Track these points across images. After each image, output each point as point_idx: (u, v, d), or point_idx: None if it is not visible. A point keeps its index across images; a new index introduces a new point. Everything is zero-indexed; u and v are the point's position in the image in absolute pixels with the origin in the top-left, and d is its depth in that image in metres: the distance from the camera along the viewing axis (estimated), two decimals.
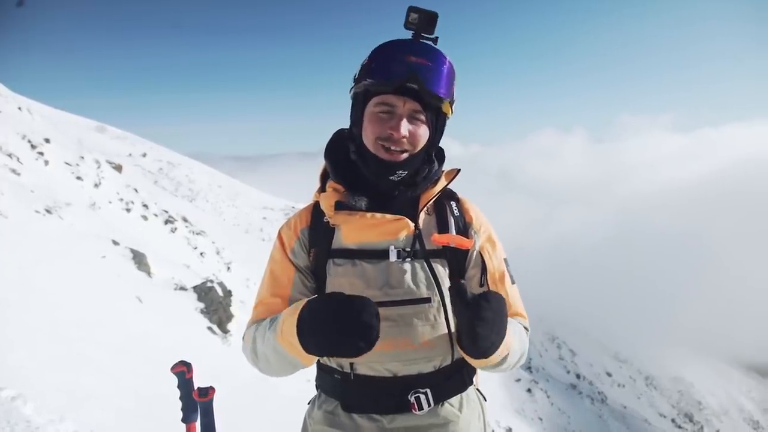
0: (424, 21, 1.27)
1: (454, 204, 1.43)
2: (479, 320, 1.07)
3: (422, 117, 1.26)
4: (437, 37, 1.30)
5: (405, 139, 1.25)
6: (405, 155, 1.28)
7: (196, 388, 1.58)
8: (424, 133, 1.28)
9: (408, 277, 1.29)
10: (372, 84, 1.25)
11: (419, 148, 1.29)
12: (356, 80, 1.29)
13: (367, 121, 1.28)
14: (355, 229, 1.31)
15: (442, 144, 1.46)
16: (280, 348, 1.18)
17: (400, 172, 1.29)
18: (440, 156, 1.44)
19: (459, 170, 1.44)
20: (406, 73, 1.20)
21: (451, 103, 1.30)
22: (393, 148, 1.26)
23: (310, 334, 1.09)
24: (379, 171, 1.29)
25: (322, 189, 1.40)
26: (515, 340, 1.26)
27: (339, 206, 1.32)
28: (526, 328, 1.40)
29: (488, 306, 1.08)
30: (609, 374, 42.53)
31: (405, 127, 1.24)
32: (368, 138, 1.28)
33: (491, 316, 1.08)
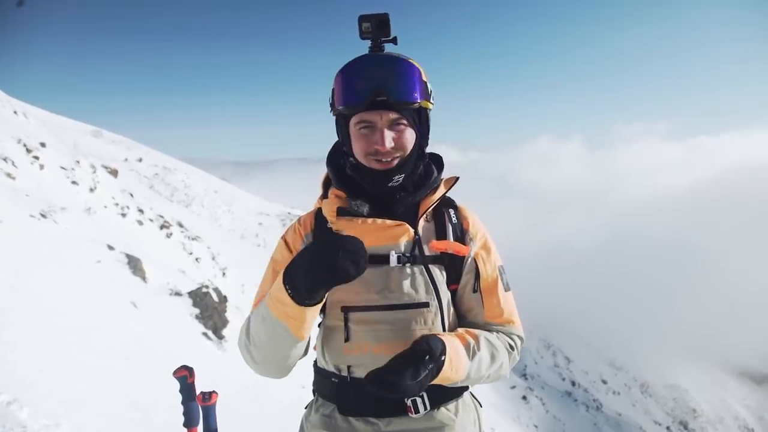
0: (377, 26, 1.29)
1: (452, 211, 1.45)
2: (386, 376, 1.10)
3: (403, 122, 1.28)
4: (395, 37, 1.31)
5: (392, 149, 1.28)
6: (397, 161, 1.31)
7: (199, 392, 1.59)
8: (410, 136, 1.31)
9: (407, 281, 1.31)
10: (344, 109, 1.28)
11: (409, 150, 1.32)
12: (331, 105, 1.33)
13: (353, 139, 1.31)
14: (356, 234, 1.33)
15: (441, 151, 1.49)
16: (269, 314, 1.19)
17: (397, 177, 1.32)
18: (439, 163, 1.47)
19: (458, 178, 1.47)
20: (372, 90, 1.23)
21: (428, 98, 1.32)
22: (383, 159, 1.29)
23: (299, 276, 1.11)
24: (377, 181, 1.32)
25: (325, 195, 1.42)
26: (476, 368, 1.27)
27: (341, 212, 1.34)
28: (513, 341, 1.40)
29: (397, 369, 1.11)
30: (604, 381, 42.58)
31: (389, 139, 1.26)
32: (358, 154, 1.31)
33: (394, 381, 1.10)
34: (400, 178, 1.32)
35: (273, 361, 1.30)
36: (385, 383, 1.09)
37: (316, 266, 1.08)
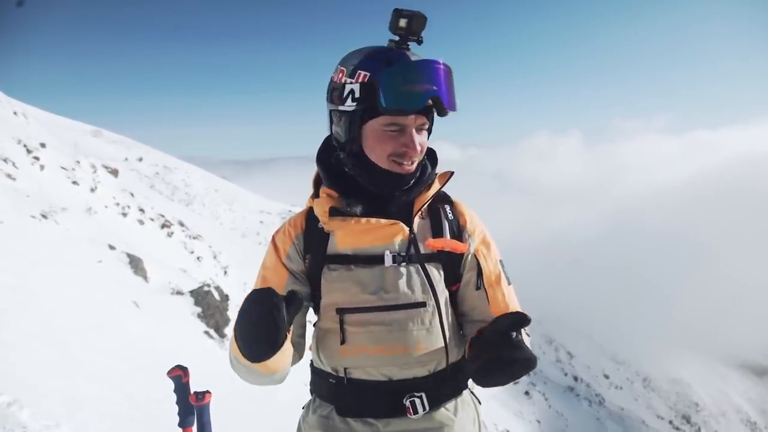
0: (415, 26, 1.22)
1: (448, 207, 1.42)
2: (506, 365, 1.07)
3: (426, 127, 1.28)
4: (422, 38, 1.26)
5: (419, 152, 1.27)
6: (416, 164, 1.30)
7: (192, 392, 1.58)
8: (426, 140, 1.30)
9: (403, 281, 1.29)
10: (389, 111, 1.19)
11: (424, 153, 1.33)
12: (357, 99, 1.21)
13: (373, 138, 1.25)
14: (350, 235, 1.31)
15: (440, 148, 1.46)
16: (236, 358, 1.19)
17: (412, 180, 1.32)
18: (433, 158, 1.43)
19: (452, 173, 1.44)
20: (428, 96, 1.18)
21: None
22: (406, 163, 1.26)
23: (239, 341, 1.07)
24: (393, 183, 1.30)
25: (316, 195, 1.39)
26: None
27: (333, 212, 1.31)
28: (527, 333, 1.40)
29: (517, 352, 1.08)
30: (606, 376, 42.57)
31: (418, 142, 1.25)
32: (378, 155, 1.26)
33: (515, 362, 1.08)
34: (413, 180, 1.33)
35: (257, 383, 1.32)
36: (502, 366, 1.07)
37: (240, 338, 1.05)
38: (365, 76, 1.20)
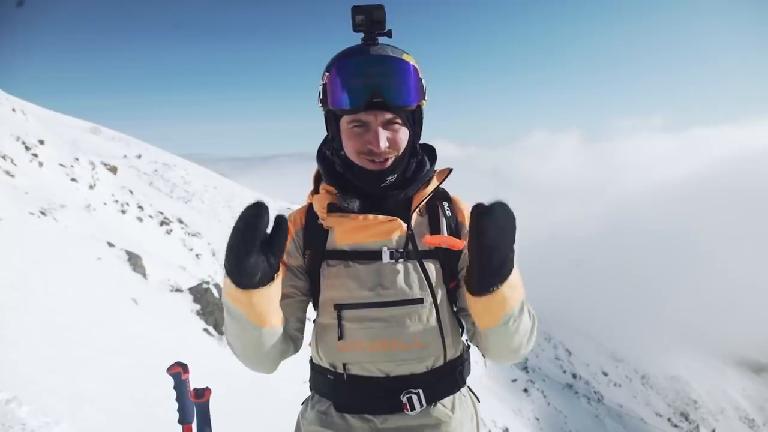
0: (371, 19, 1.23)
1: (446, 204, 1.41)
2: (483, 233, 1.01)
3: (398, 121, 1.25)
4: (390, 30, 1.26)
5: (387, 149, 1.24)
6: (390, 161, 1.28)
7: (192, 389, 1.59)
8: (403, 135, 1.28)
9: (400, 277, 1.29)
10: (338, 110, 1.24)
11: (403, 149, 1.29)
12: (321, 101, 1.28)
13: (344, 137, 1.27)
14: (348, 231, 1.31)
15: (435, 144, 1.45)
16: (226, 301, 1.12)
17: (390, 178, 1.29)
18: (432, 155, 1.43)
19: (451, 170, 1.44)
20: (370, 93, 1.18)
21: (424, 96, 1.28)
22: (377, 159, 1.26)
23: (226, 255, 1.00)
24: (370, 181, 1.29)
25: (316, 191, 1.40)
26: (521, 293, 1.17)
27: (332, 208, 1.31)
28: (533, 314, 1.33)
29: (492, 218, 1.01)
30: (605, 374, 42.61)
31: (383, 139, 1.23)
32: (350, 153, 1.28)
33: (495, 227, 1.03)
34: (393, 178, 1.30)
35: (249, 352, 1.24)
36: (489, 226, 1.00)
37: (230, 241, 0.98)
38: (327, 77, 1.25)
